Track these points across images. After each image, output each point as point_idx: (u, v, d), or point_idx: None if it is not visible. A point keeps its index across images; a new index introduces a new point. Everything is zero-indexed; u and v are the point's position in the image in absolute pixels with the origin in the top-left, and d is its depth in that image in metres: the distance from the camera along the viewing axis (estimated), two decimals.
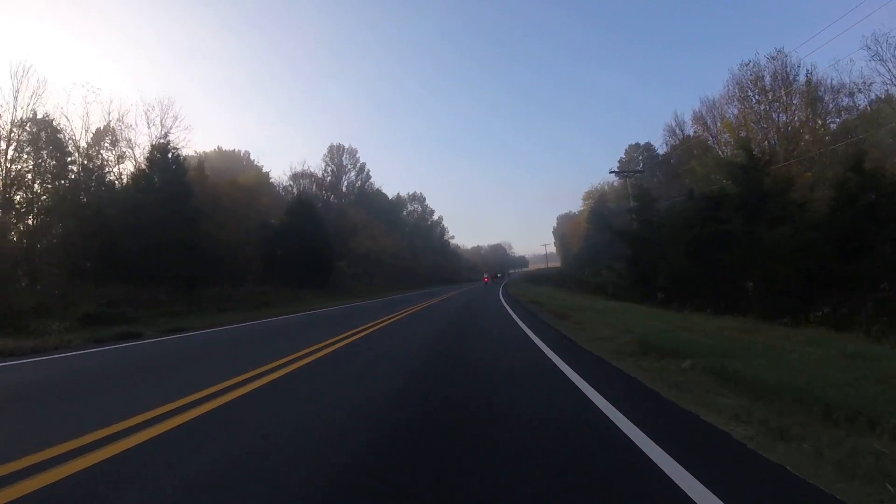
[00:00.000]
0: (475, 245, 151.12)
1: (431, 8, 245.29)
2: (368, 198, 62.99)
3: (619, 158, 59.98)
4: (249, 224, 31.11)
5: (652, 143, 59.79)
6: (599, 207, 53.43)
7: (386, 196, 70.75)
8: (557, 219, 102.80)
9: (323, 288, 27.59)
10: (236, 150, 47.43)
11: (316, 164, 61.66)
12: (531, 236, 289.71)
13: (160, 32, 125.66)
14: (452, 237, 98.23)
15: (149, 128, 22.73)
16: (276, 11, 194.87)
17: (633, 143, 59.45)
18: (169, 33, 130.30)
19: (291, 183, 53.43)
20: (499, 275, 76.01)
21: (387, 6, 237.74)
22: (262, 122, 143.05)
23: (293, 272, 25.94)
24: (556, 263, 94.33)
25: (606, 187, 63.39)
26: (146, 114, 22.65)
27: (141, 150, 21.97)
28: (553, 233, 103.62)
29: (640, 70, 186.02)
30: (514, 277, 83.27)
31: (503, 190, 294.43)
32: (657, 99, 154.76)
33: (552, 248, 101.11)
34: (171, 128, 22.60)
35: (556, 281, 40.20)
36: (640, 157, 58.10)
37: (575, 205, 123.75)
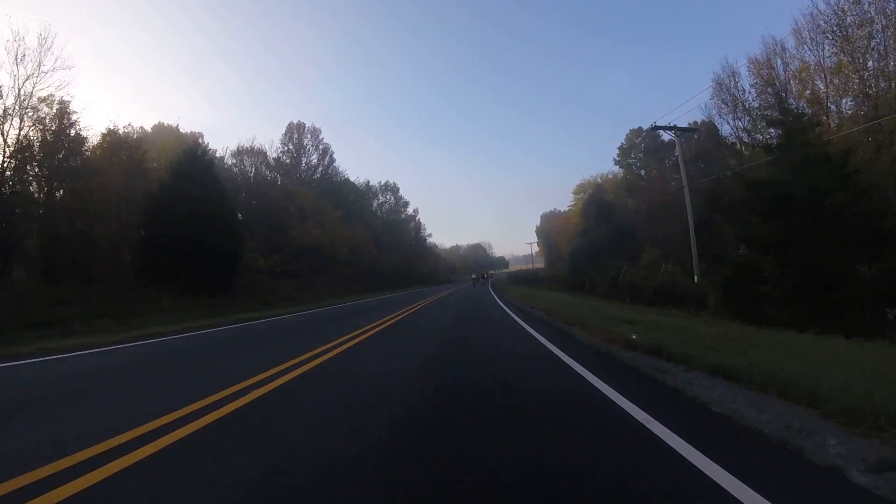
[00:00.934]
0: (454, 244, 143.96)
1: (406, 8, 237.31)
2: (333, 186, 53.46)
3: (619, 145, 53.39)
4: (131, 196, 21.35)
5: (653, 129, 53.07)
6: (597, 199, 45.89)
7: (353, 184, 61.03)
8: (541, 217, 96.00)
9: (224, 293, 17.87)
10: (182, 128, 34.01)
11: (274, 146, 51.72)
12: (512, 237, 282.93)
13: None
14: (430, 235, 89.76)
15: (16, 66, 16.99)
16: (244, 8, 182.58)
17: (636, 127, 52.73)
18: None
19: (235, 161, 43.50)
20: (485, 275, 68.28)
21: (363, 7, 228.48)
22: (235, 121, 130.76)
23: (170, 267, 16.30)
24: (540, 264, 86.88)
25: (599, 179, 56.67)
26: (15, 47, 16.77)
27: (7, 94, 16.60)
28: (536, 232, 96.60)
29: (624, 67, 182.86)
30: (497, 279, 74.71)
31: (483, 188, 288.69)
32: (642, 95, 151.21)
33: (537, 248, 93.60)
34: (49, 68, 17.53)
35: (561, 283, 31.12)
36: (642, 144, 51.96)
37: (559, 203, 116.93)
